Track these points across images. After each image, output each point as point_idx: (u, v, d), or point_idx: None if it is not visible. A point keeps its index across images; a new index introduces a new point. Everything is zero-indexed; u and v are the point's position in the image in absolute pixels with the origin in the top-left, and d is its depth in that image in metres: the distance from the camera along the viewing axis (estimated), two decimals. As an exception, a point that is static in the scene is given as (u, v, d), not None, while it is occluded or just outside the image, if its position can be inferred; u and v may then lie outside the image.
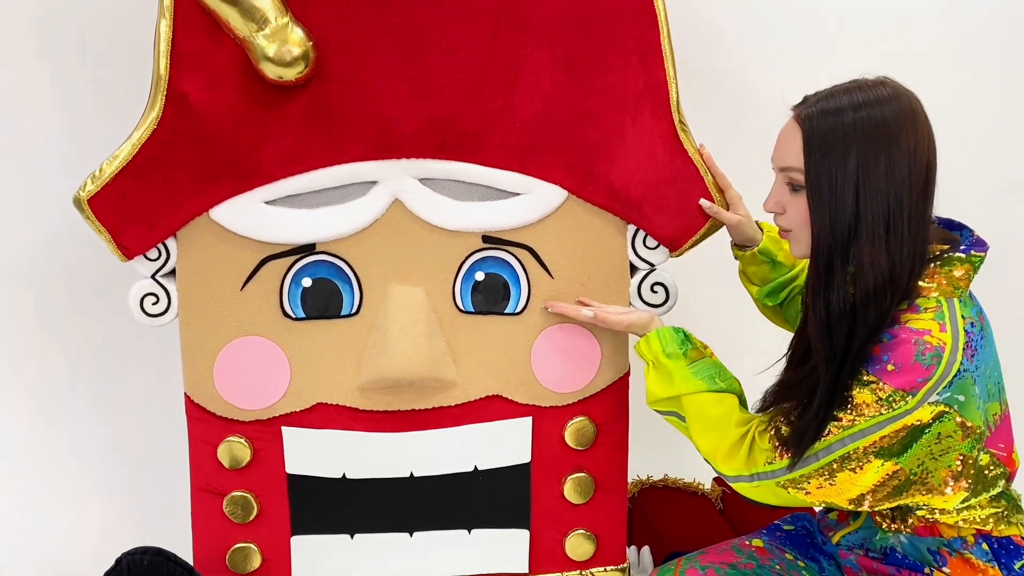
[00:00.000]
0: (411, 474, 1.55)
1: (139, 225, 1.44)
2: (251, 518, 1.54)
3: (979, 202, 2.11)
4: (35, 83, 1.95)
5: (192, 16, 1.40)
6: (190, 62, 1.41)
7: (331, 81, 1.43)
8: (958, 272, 1.19)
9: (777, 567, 1.41)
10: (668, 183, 1.51)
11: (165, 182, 1.43)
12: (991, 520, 1.25)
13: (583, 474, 1.59)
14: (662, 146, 1.50)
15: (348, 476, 1.54)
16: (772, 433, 1.26)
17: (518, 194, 1.49)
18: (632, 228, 1.53)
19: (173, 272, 1.49)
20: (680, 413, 1.40)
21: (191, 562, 1.52)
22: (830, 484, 1.21)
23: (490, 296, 1.53)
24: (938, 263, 1.19)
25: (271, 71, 1.39)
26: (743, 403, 1.37)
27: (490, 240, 1.51)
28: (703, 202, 1.50)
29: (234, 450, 1.52)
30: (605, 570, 1.63)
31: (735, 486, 1.33)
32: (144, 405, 2.01)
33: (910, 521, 1.28)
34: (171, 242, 1.48)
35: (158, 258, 1.48)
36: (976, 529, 1.25)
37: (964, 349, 1.15)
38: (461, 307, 1.53)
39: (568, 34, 1.45)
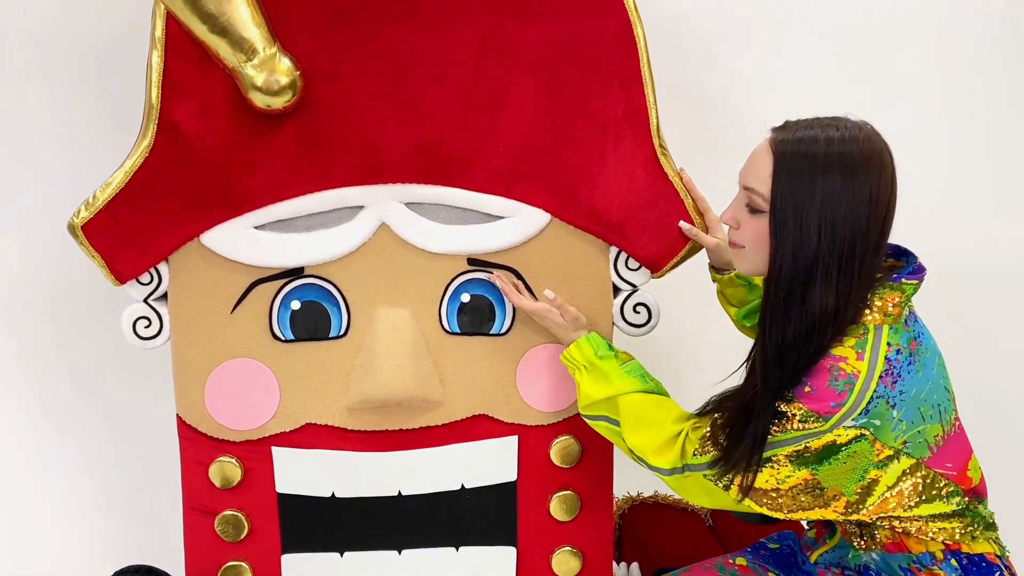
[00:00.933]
0: (399, 492, 1.58)
1: (132, 250, 1.48)
2: (242, 536, 1.57)
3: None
4: (33, 108, 2.00)
5: (183, 47, 1.44)
6: (181, 91, 1.45)
7: (318, 109, 1.47)
8: (891, 299, 1.22)
9: None
10: (649, 206, 1.54)
11: (157, 208, 1.47)
12: (957, 533, 1.27)
13: (569, 492, 1.61)
14: (643, 170, 1.53)
15: (337, 495, 1.57)
16: (707, 431, 1.31)
17: (503, 217, 1.52)
18: (614, 250, 1.57)
19: (165, 296, 1.53)
20: (611, 416, 1.44)
21: (183, 580, 1.55)
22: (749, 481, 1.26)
23: (476, 317, 1.56)
24: (874, 290, 1.23)
25: (259, 100, 1.43)
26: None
27: (475, 262, 1.54)
28: (682, 224, 1.54)
29: (225, 470, 1.55)
30: (592, 587, 1.65)
31: (666, 480, 1.38)
32: (141, 424, 2.04)
33: (878, 538, 1.31)
34: (163, 266, 1.51)
35: (150, 282, 1.52)
36: (944, 544, 1.28)
37: (882, 376, 1.19)
38: (447, 328, 1.56)
39: (551, 62, 1.49)
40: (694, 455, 1.32)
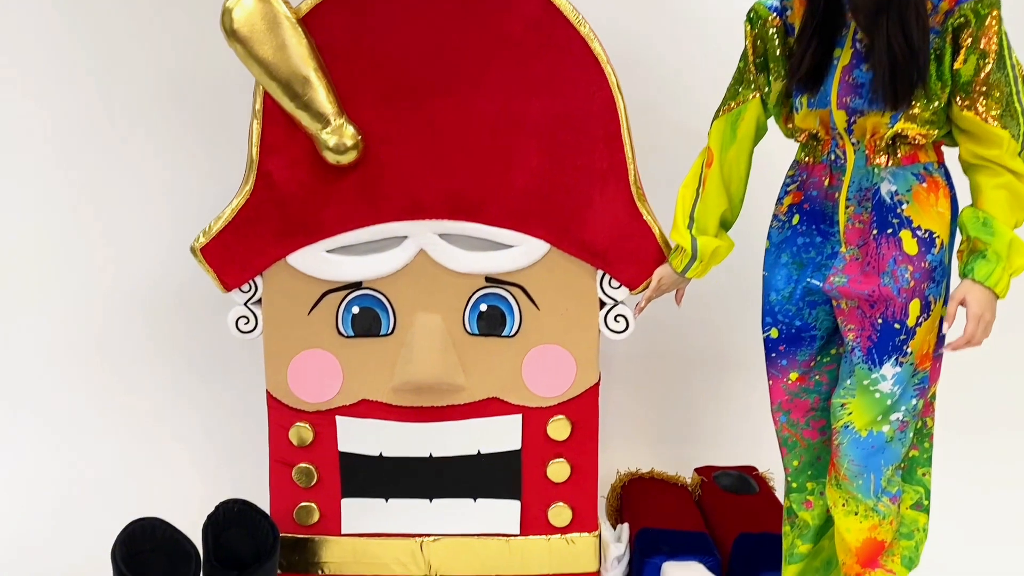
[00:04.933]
0: (430, 454, 2.01)
1: (236, 267, 1.94)
2: (312, 484, 2.03)
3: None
4: (150, 148, 2.54)
5: (276, 116, 1.90)
6: (274, 149, 1.91)
7: (375, 163, 1.90)
8: None
9: (819, 379, 1.78)
10: (627, 238, 1.92)
11: (255, 236, 1.93)
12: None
13: (562, 460, 2.02)
14: (623, 211, 1.91)
15: (384, 455, 2.01)
16: None
17: (513, 246, 1.91)
18: (600, 272, 1.95)
19: (260, 300, 2.00)
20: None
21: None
22: None
23: (491, 323, 1.98)
24: None
25: (331, 157, 1.89)
26: None
27: (491, 280, 1.93)
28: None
29: (301, 432, 2.02)
30: (580, 535, 2.07)
31: None
32: (239, 400, 2.57)
33: (899, 154, 1.61)
34: (258, 279, 1.97)
35: (249, 290, 1.98)
36: (936, 156, 1.64)
37: None
38: (469, 331, 1.99)
39: (550, 127, 1.88)
40: None
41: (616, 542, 2.15)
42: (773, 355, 1.85)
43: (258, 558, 1.80)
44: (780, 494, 2.16)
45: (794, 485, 1.92)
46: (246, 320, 2.00)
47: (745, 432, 2.69)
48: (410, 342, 1.94)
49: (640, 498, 2.42)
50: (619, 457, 2.56)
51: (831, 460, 1.78)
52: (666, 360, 2.80)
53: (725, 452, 2.68)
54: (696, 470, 2.55)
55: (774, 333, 1.83)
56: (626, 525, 2.27)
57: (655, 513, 2.30)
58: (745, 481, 2.54)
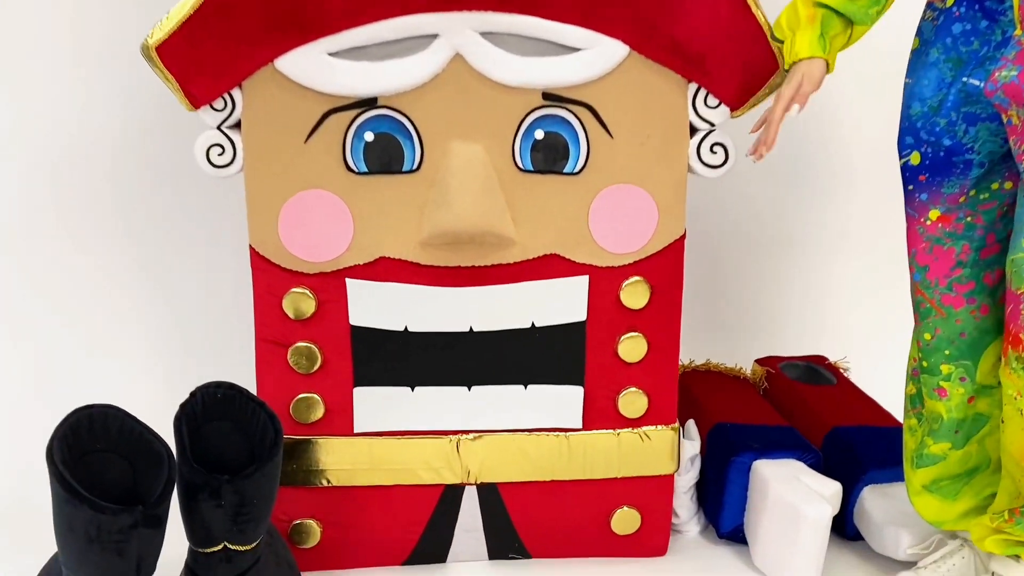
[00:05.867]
0: (471, 328, 1.59)
1: (206, 74, 1.47)
2: (315, 369, 1.59)
3: None
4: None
5: None
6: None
7: None
8: None
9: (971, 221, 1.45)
10: (730, 39, 1.51)
11: (231, 30, 1.45)
12: None
13: (637, 334, 1.62)
14: (726, 2, 1.49)
15: (410, 329, 1.59)
16: None
17: (579, 49, 1.50)
18: (693, 87, 1.54)
19: (239, 123, 1.52)
20: None
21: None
22: None
23: (549, 155, 1.55)
24: None
25: (337, -84, 1.39)
26: None
27: (550, 98, 1.52)
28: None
29: (298, 302, 1.56)
30: (657, 428, 1.67)
31: None
32: (212, 261, 2.09)
33: None
34: (237, 93, 1.50)
35: (224, 108, 1.51)
36: None
37: None
38: (520, 165, 1.55)
39: None
40: None
41: (688, 439, 1.77)
42: (911, 187, 1.49)
43: (253, 459, 1.33)
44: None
45: (925, 364, 1.54)
46: (220, 150, 1.53)
47: (806, 320, 2.54)
48: (443, 181, 1.52)
49: (702, 392, 2.08)
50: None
51: (1007, 334, 1.38)
52: (713, 241, 2.47)
53: (783, 342, 2.43)
54: (757, 361, 2.29)
55: (915, 158, 1.46)
56: (692, 422, 1.92)
57: (724, 408, 2.00)
58: (816, 372, 2.28)
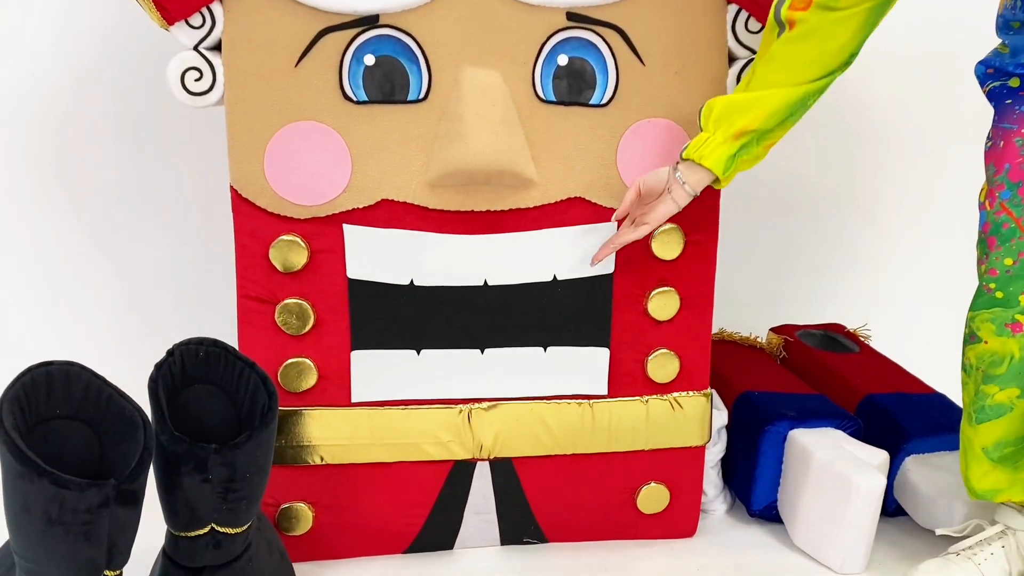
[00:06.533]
0: (485, 282, 1.42)
1: None
2: (306, 329, 1.39)
3: None
4: None
5: None
6: None
7: None
8: None
9: None
10: None
11: (210, -69, 1.25)
12: None
13: (669, 288, 1.46)
14: (771, -90, 1.34)
15: (416, 283, 1.40)
16: None
17: None
18: (733, 9, 1.40)
19: (219, 45, 1.32)
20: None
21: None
22: None
23: (574, 84, 1.38)
24: None
25: None
26: None
27: (575, 18, 1.37)
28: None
29: (287, 251, 1.37)
30: (688, 395, 1.51)
31: None
32: (188, 207, 1.88)
33: None
34: (217, 7, 1.32)
35: (202, 25, 1.32)
36: None
37: None
38: (541, 95, 1.38)
39: None
40: None
41: (716, 409, 1.62)
42: (1008, 101, 1.34)
43: (240, 428, 1.12)
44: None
45: (999, 295, 1.37)
46: (197, 74, 1.33)
47: (818, 289, 2.44)
48: (455, 111, 1.34)
49: (720, 362, 1.92)
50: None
51: None
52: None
53: (794, 312, 2.29)
54: (772, 330, 2.16)
55: (1014, 81, 1.28)
56: (714, 392, 1.76)
57: (748, 377, 1.85)
58: (835, 340, 2.14)
